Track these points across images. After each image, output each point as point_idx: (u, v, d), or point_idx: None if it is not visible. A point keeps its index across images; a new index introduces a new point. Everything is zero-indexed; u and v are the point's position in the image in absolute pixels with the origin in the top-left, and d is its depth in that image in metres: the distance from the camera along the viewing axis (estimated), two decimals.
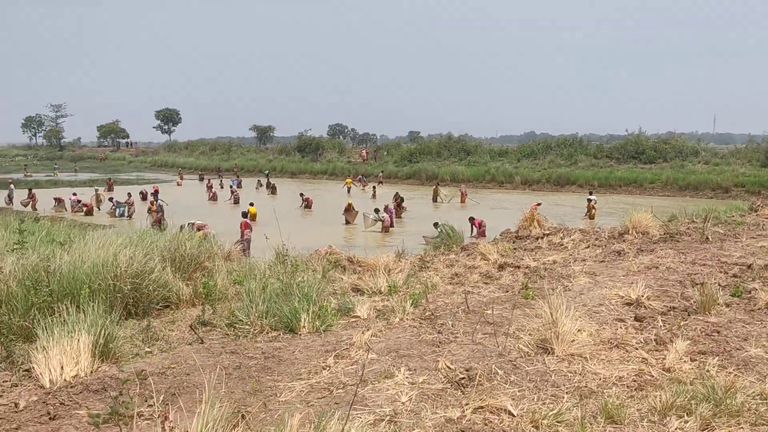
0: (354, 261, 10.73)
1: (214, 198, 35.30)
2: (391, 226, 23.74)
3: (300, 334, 5.29)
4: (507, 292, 7.02)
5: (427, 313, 5.87)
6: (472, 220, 20.71)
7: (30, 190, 30.27)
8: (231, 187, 40.63)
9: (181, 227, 21.36)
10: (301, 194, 32.09)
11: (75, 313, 4.74)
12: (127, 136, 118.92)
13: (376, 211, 23.80)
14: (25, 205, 30.69)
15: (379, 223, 23.17)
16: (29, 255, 6.18)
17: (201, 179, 51.81)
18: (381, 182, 47.17)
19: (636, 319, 5.81)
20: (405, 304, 6.04)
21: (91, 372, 4.33)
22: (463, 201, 33.64)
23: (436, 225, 18.54)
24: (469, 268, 9.02)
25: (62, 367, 4.24)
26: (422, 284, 7.34)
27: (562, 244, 11.23)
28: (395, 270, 9.37)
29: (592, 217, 25.81)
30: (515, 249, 11.30)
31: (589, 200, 26.89)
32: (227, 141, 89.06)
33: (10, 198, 33.03)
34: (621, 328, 5.51)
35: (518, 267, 8.99)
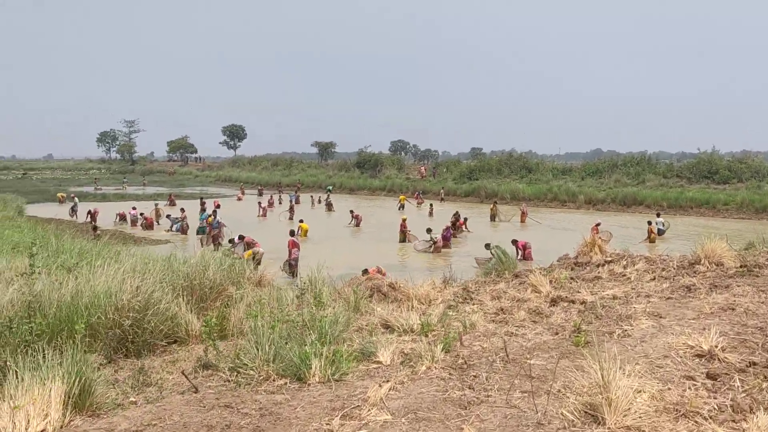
0: (396, 287, 10.06)
1: (264, 214, 35.31)
2: (446, 247, 22.96)
3: (309, 384, 4.63)
4: (557, 334, 6.17)
5: (459, 361, 5.12)
6: (515, 242, 19.61)
7: (89, 212, 30.71)
8: (290, 200, 40.83)
9: (230, 241, 21.30)
10: (351, 211, 31.68)
11: (56, 353, 4.22)
12: (195, 151, 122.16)
13: (428, 230, 23.04)
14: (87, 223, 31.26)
15: (432, 243, 22.42)
16: (35, 282, 5.76)
17: (260, 194, 52.26)
18: (442, 199, 46.43)
19: (708, 376, 4.89)
20: (435, 349, 5.31)
21: (62, 426, 3.80)
22: (523, 220, 32.47)
23: (487, 246, 17.61)
24: (517, 302, 8.19)
25: (29, 421, 3.72)
26: (460, 322, 6.56)
27: (624, 275, 10.24)
28: (436, 301, 8.65)
29: (652, 241, 24.33)
30: (572, 278, 10.37)
31: (649, 223, 25.41)
32: (289, 157, 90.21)
33: (73, 210, 33.95)
34: (690, 388, 4.61)
35: (573, 302, 8.09)
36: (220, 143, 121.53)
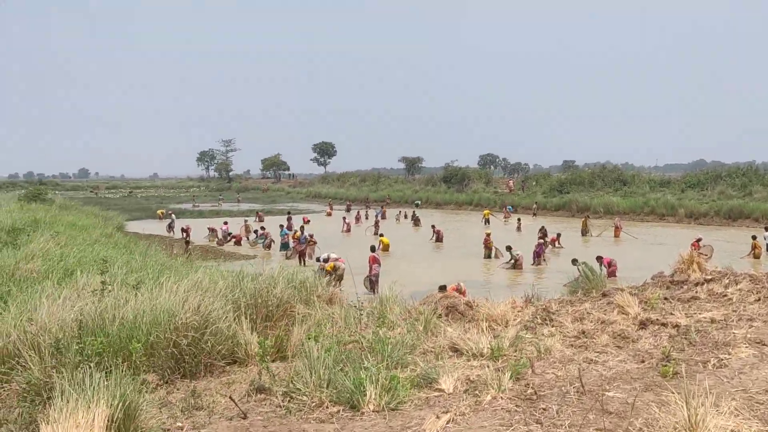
0: (473, 306, 9.65)
1: (348, 230, 35.44)
2: (538, 264, 22.23)
3: (363, 413, 4.34)
4: (642, 362, 5.60)
5: (528, 391, 4.68)
6: (600, 259, 18.39)
7: (182, 228, 31.80)
8: (376, 216, 40.93)
9: (317, 259, 21.50)
10: (433, 226, 31.26)
11: (105, 374, 4.16)
12: (288, 168, 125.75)
13: (508, 248, 22.35)
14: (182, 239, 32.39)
15: (512, 261, 21.76)
16: (102, 300, 5.83)
17: (348, 210, 52.86)
18: (535, 214, 45.20)
19: None
20: (503, 376, 4.90)
21: None
22: (617, 235, 31.01)
23: (574, 262, 16.74)
24: (602, 324, 7.58)
25: None
26: (534, 346, 6.10)
27: (725, 295, 9.34)
28: (513, 321, 8.17)
29: (756, 257, 22.54)
30: (666, 298, 9.58)
31: (754, 238, 23.56)
32: (377, 172, 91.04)
33: (170, 227, 35.45)
34: None
35: (664, 325, 7.41)
36: (310, 160, 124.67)
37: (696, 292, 9.86)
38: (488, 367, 5.41)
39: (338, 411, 4.39)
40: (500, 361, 5.74)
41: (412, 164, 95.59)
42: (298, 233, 25.80)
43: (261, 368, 4.95)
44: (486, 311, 8.37)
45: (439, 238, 29.72)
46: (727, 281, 10.25)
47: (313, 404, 4.49)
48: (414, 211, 45.15)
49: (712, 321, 7.43)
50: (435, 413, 4.26)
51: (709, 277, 10.82)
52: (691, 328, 6.89)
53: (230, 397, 4.46)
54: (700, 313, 7.98)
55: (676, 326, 7.25)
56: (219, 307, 5.94)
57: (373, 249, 18.80)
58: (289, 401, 4.58)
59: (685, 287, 10.58)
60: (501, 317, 8.27)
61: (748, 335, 6.24)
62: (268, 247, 27.59)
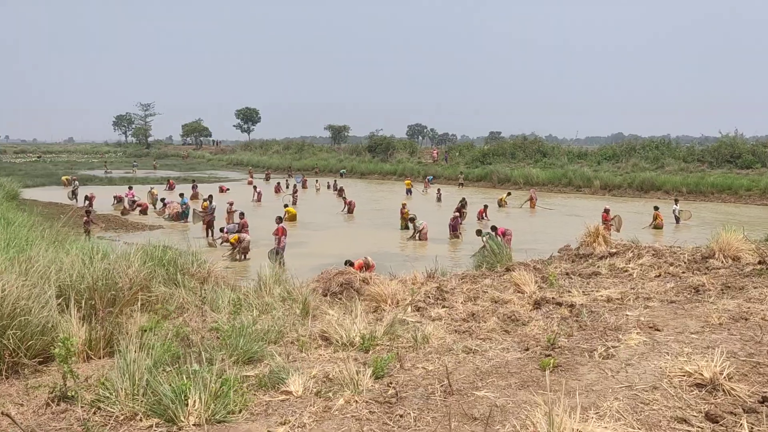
0: (370, 282, 9.01)
1: (258, 199, 34.08)
2: (455, 237, 21.91)
3: (181, 428, 3.56)
4: (527, 350, 5.05)
5: (389, 391, 4.03)
6: (495, 229, 17.83)
7: (86, 196, 29.80)
8: (295, 185, 39.70)
9: (221, 229, 20.42)
10: (344, 197, 30.60)
11: None
12: (210, 135, 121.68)
13: (411, 220, 22.04)
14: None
15: (416, 232, 21.48)
16: None
17: (267, 178, 51.34)
18: (461, 184, 45.08)
19: (708, 418, 3.75)
20: (365, 373, 4.23)
21: None
22: (533, 206, 31.23)
23: (479, 233, 16.27)
24: (494, 304, 7.06)
25: None
26: (411, 333, 5.45)
27: (626, 270, 9.08)
28: (404, 301, 7.55)
29: (657, 227, 23.24)
30: (568, 273, 9.24)
31: (656, 209, 24.27)
32: (301, 140, 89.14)
33: (74, 194, 33.26)
34: None
35: (560, 304, 6.95)
36: (233, 126, 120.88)
37: (598, 267, 9.57)
38: (354, 360, 4.73)
39: (151, 426, 3.58)
40: (372, 352, 5.08)
41: (338, 133, 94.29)
42: (206, 203, 24.47)
43: (64, 372, 4.05)
44: (376, 290, 7.69)
45: (350, 210, 29.00)
46: (630, 255, 10.02)
47: (123, 417, 3.66)
48: (336, 181, 44.21)
49: (609, 300, 7.03)
50: (268, 426, 3.53)
51: (614, 250, 10.58)
52: (584, 309, 6.43)
53: (3, 413, 3.55)
54: (597, 291, 7.60)
55: (571, 306, 6.81)
56: (35, 294, 4.97)
57: (280, 220, 17.89)
58: (94, 413, 3.74)
59: (589, 261, 10.31)
60: (392, 296, 7.63)
61: (642, 318, 5.81)
62: (177, 218, 26.21)
